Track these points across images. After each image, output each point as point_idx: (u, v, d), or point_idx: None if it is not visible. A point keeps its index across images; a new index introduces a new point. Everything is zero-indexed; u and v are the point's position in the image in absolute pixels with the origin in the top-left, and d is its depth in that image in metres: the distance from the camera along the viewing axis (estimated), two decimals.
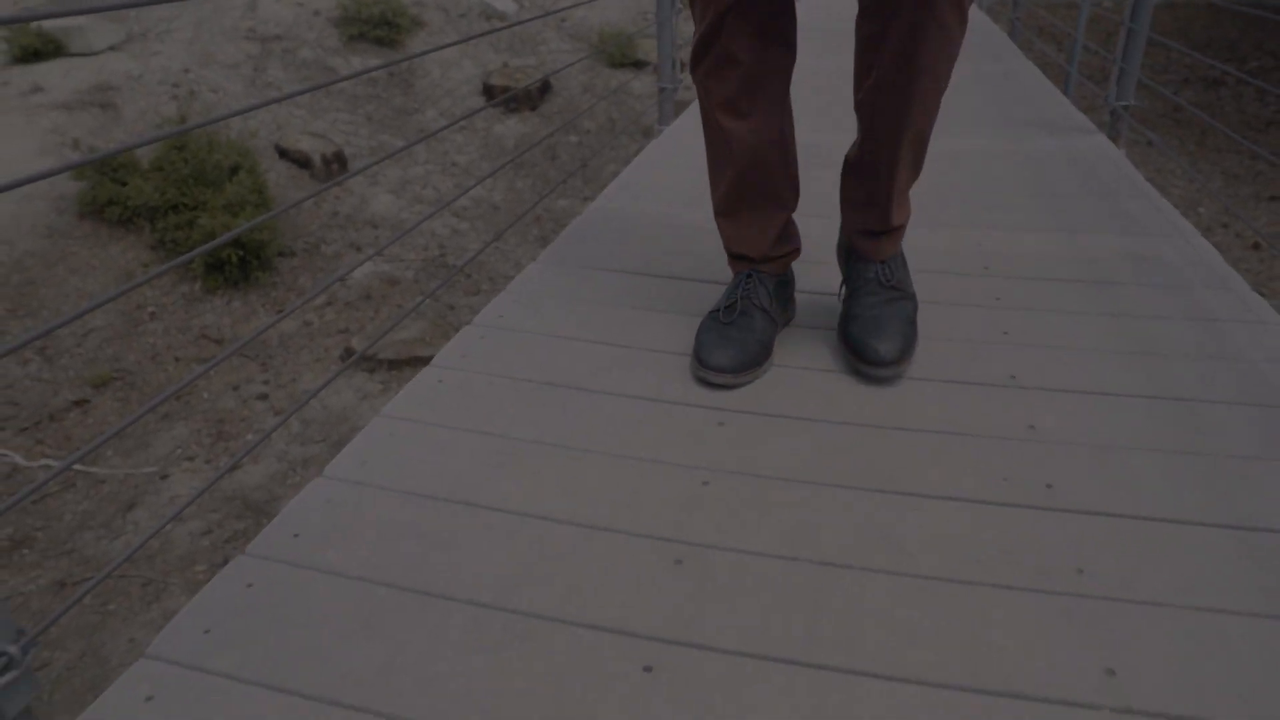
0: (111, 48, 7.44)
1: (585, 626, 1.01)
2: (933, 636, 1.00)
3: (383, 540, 1.14)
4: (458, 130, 7.32)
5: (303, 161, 6.17)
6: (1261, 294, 5.15)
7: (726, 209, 1.57)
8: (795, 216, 1.87)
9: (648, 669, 0.95)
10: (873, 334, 1.47)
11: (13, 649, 0.87)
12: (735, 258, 1.62)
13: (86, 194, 5.32)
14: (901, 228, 1.56)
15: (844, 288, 1.62)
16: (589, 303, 1.86)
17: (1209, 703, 0.90)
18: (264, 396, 4.17)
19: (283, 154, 6.20)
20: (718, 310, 1.54)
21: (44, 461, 3.78)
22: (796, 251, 1.64)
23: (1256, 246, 5.71)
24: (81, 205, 5.36)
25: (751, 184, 1.51)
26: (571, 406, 1.48)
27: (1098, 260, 2.05)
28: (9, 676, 0.87)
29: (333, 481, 1.27)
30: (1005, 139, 3.11)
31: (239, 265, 4.98)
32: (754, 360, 1.47)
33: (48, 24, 7.43)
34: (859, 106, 1.44)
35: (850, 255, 1.60)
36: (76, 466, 3.79)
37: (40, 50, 7.10)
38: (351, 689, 0.92)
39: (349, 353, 4.39)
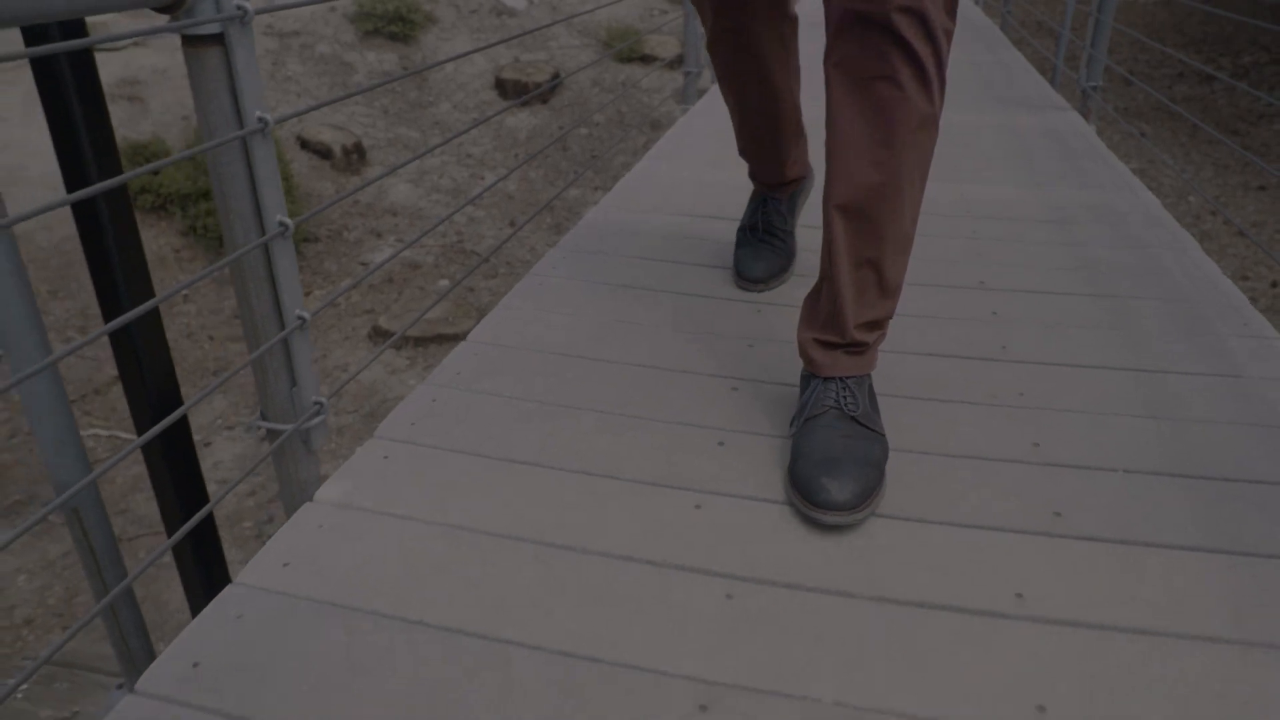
0: (135, 43, 7.67)
1: (584, 659, 0.98)
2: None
3: (373, 568, 1.10)
4: (471, 123, 7.54)
5: (324, 152, 6.40)
6: (1246, 278, 5.37)
7: (743, 150, 1.91)
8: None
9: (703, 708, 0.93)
10: (825, 472, 1.18)
11: (324, 399, 1.28)
12: (756, 181, 1.97)
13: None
14: (868, 346, 1.32)
15: (797, 418, 1.34)
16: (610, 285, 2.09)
17: None
18: None
19: (304, 145, 6.43)
20: (744, 228, 1.97)
21: (92, 430, 4.02)
22: (802, 178, 1.97)
23: (1242, 234, 5.93)
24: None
25: (758, 134, 1.82)
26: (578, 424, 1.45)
27: (1060, 207, 2.47)
28: (319, 419, 1.27)
29: (323, 506, 1.23)
30: (991, 114, 3.45)
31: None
32: (781, 268, 1.93)
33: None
34: (825, 197, 1.42)
35: (804, 376, 1.37)
36: (123, 434, 4.03)
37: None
38: None
39: (377, 331, 4.62)
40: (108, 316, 1.16)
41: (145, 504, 3.57)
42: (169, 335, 4.71)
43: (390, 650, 0.98)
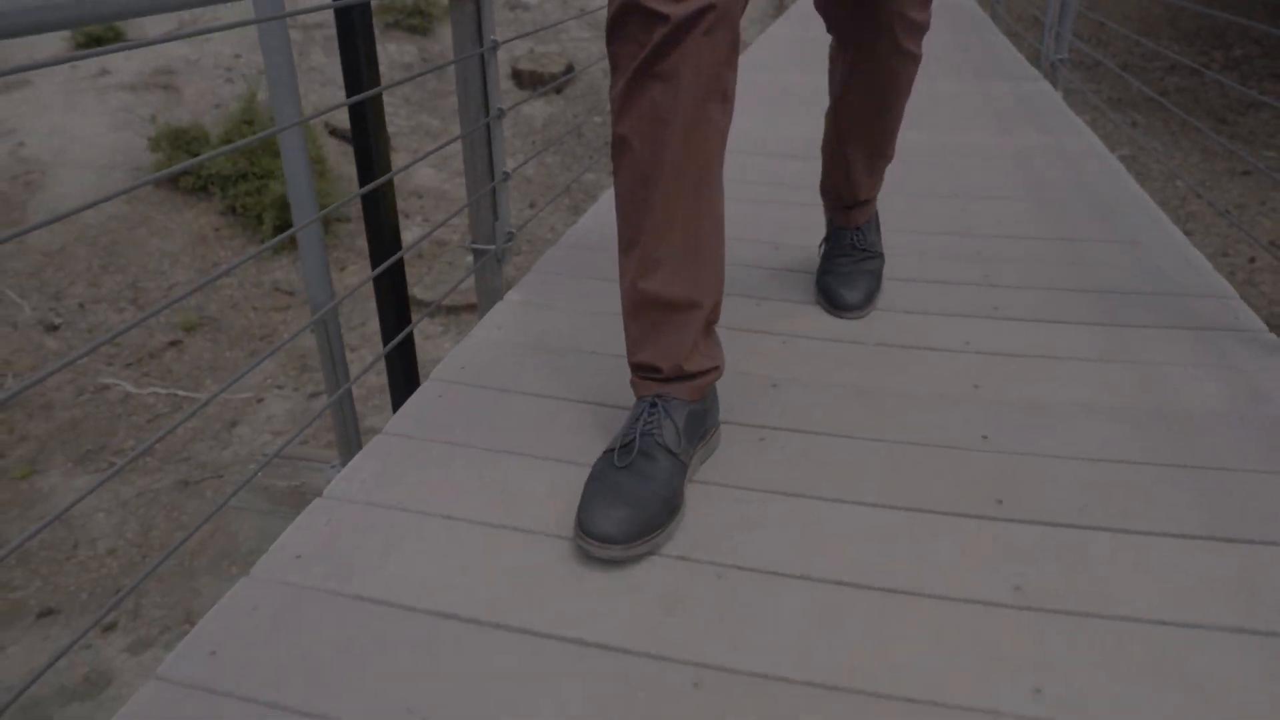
0: (165, 34, 7.98)
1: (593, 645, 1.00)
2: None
3: (385, 562, 1.11)
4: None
5: (350, 139, 6.71)
6: (1226, 254, 5.68)
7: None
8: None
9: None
10: (844, 285, 1.71)
11: (514, 230, 1.81)
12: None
13: (162, 164, 5.86)
14: (870, 200, 1.76)
15: (824, 245, 1.84)
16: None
17: None
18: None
19: (333, 132, 6.74)
20: (612, 450, 1.19)
21: (153, 389, 4.33)
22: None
23: (1224, 215, 6.25)
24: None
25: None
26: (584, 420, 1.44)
27: (1022, 148, 2.98)
28: (509, 243, 1.85)
29: (333, 502, 1.23)
30: (970, 83, 3.90)
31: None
32: (650, 524, 1.10)
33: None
34: (828, 115, 1.68)
35: (829, 222, 1.83)
36: (181, 392, 4.34)
37: (102, 37, 7.63)
38: (351, 710, 0.91)
39: (412, 300, 4.93)
40: (363, 182, 1.66)
41: (206, 451, 3.89)
42: (215, 306, 5.03)
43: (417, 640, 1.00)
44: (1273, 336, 1.64)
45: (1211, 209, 6.36)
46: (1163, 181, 6.75)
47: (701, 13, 1.03)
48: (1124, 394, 1.46)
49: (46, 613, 3.10)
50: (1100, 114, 7.72)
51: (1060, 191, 2.53)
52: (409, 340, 1.79)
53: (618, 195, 1.16)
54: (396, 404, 1.73)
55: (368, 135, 1.60)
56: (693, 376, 1.20)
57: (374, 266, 1.70)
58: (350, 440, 1.56)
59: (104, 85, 6.91)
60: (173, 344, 4.72)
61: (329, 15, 8.57)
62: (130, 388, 4.33)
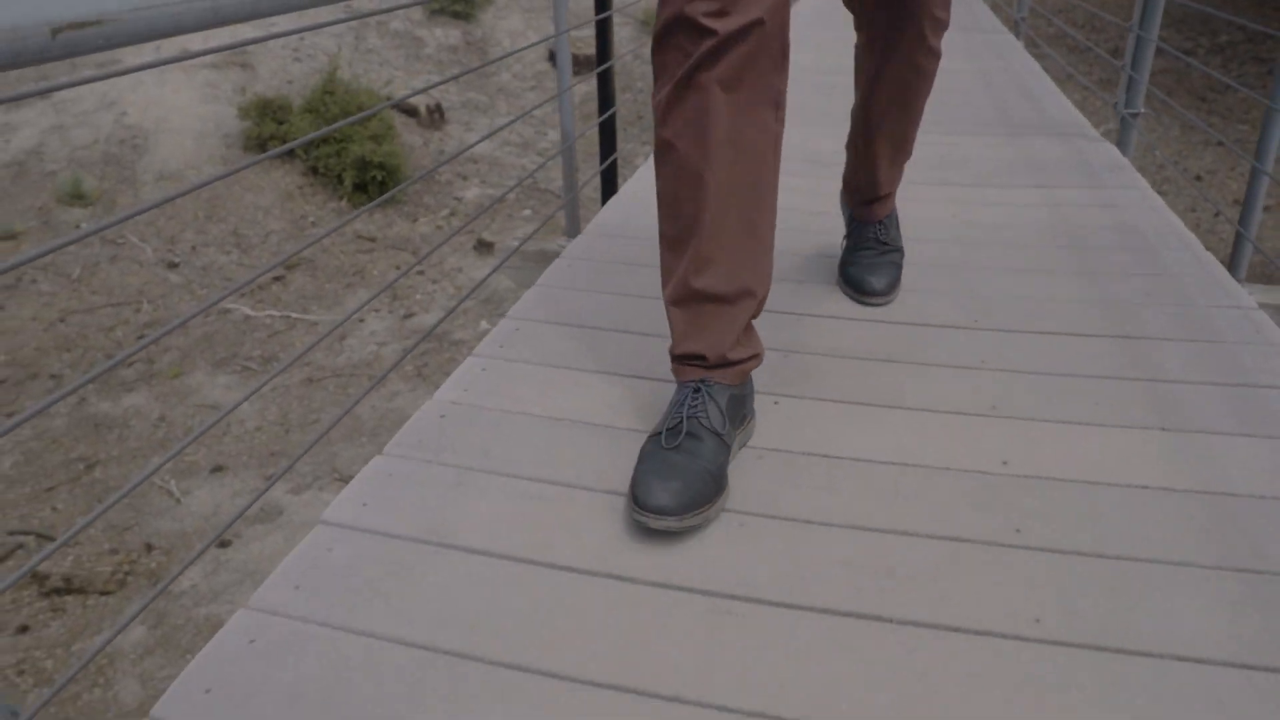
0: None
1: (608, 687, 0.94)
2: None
3: (384, 592, 1.07)
4: (531, 89, 8.62)
5: (411, 111, 7.47)
6: (1194, 210, 6.40)
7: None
8: None
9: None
10: (869, 273, 1.75)
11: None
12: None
13: (252, 131, 6.64)
14: (891, 194, 1.78)
15: (846, 239, 1.86)
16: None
17: None
18: (421, 272, 5.50)
19: (396, 107, 7.50)
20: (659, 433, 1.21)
21: (268, 312, 5.11)
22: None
23: (1199, 178, 6.97)
24: (246, 140, 6.68)
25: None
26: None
27: (1032, 155, 3.36)
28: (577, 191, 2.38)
29: (332, 528, 1.18)
30: (975, 61, 4.48)
31: (380, 185, 6.29)
32: (702, 498, 1.14)
33: None
34: (855, 112, 1.68)
35: (851, 217, 1.85)
36: (294, 314, 5.12)
37: None
38: None
39: (481, 243, 5.70)
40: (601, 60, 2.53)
41: (323, 358, 4.67)
42: (307, 251, 5.80)
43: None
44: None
45: (1185, 174, 7.09)
46: (1142, 152, 7.48)
47: (749, 27, 1.07)
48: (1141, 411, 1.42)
49: (217, 468, 3.87)
50: (1090, 93, 8.44)
51: (1070, 178, 2.62)
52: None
53: (661, 195, 1.19)
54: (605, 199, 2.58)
55: (606, 39, 2.61)
56: (735, 364, 1.23)
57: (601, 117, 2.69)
58: (571, 231, 2.45)
59: (190, 64, 7.68)
60: (277, 279, 5.49)
61: (382, 2, 9.34)
62: (249, 311, 5.11)
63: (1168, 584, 1.06)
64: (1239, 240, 2.20)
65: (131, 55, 7.90)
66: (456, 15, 9.38)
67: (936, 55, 1.49)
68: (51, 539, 3.46)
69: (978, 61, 4.49)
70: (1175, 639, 0.98)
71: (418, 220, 6.29)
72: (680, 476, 1.10)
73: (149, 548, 3.44)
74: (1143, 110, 3.02)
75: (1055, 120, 3.37)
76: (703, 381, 1.20)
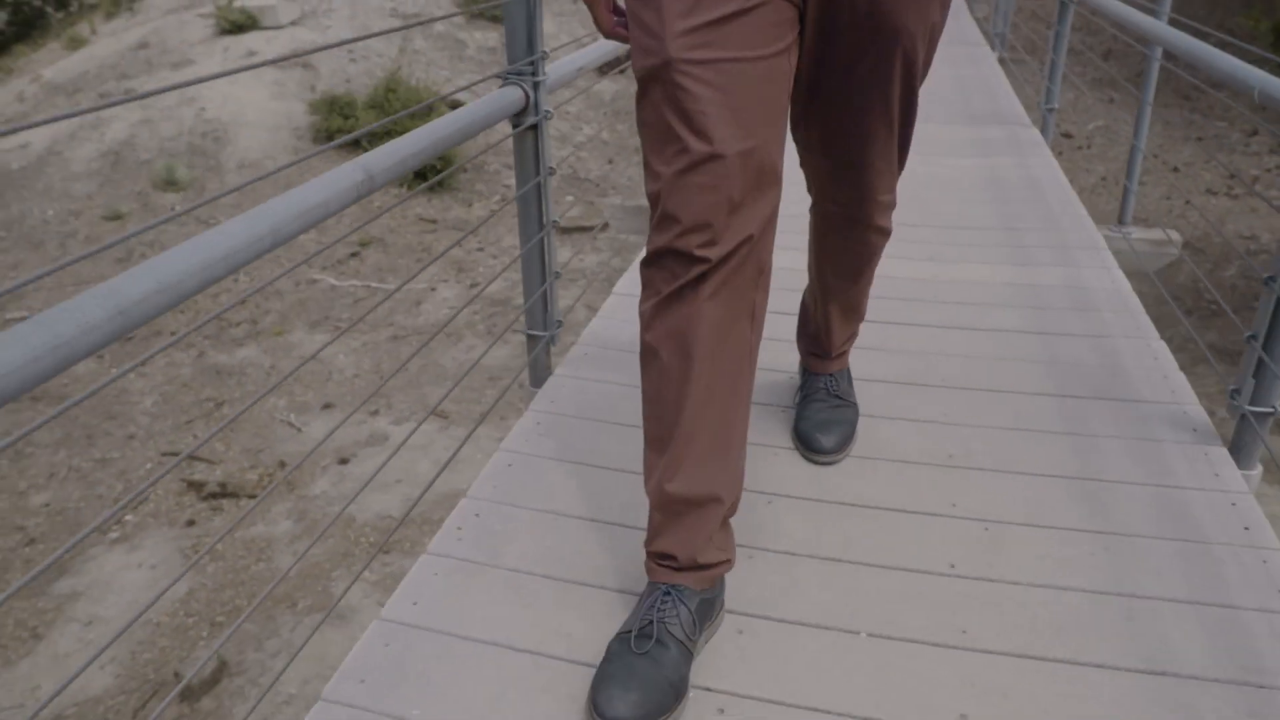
0: (293, 23, 9.50)
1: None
2: None
3: (440, 689, 1.20)
4: (565, 86, 9.36)
5: (459, 106, 8.22)
6: (1169, 198, 7.10)
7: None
8: None
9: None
10: (819, 430, 1.68)
11: (560, 317, 3.08)
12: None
13: (320, 124, 7.38)
14: (844, 353, 1.76)
15: (799, 392, 1.81)
16: None
17: None
18: (481, 249, 6.24)
19: (451, 106, 8.24)
20: (628, 633, 1.23)
21: (351, 282, 5.85)
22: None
23: (1176, 169, 7.66)
24: (316, 134, 7.42)
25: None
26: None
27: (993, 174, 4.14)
28: (559, 329, 3.03)
29: (389, 625, 1.31)
30: (953, 68, 5.31)
31: (436, 172, 7.03)
32: (660, 709, 1.16)
33: (241, 2, 9.47)
34: (810, 269, 1.67)
35: (803, 369, 1.81)
36: (373, 284, 5.86)
37: (242, 24, 9.16)
38: None
39: None
40: None
41: (402, 320, 5.41)
42: (376, 231, 6.54)
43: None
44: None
45: (1165, 165, 7.79)
46: (1126, 144, 8.19)
47: (739, 247, 1.10)
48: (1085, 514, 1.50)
49: (326, 406, 4.61)
50: (1081, 92, 9.14)
51: (1016, 185, 3.51)
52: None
53: (645, 396, 1.22)
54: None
55: None
56: (705, 568, 1.23)
57: None
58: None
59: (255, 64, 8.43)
60: (353, 255, 6.24)
61: (424, 6, 10.08)
62: (334, 280, 5.86)
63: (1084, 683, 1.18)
64: (1125, 193, 3.18)
65: (204, 58, 8.66)
66: (494, 19, 10.11)
67: (886, 233, 1.49)
68: (203, 460, 4.22)
69: (956, 68, 5.51)
70: None
71: (472, 205, 7.03)
72: (641, 687, 1.12)
73: (281, 464, 4.18)
74: (1057, 105, 4.17)
75: (1003, 113, 4.42)
76: (673, 586, 1.22)
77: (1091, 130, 8.77)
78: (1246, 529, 1.44)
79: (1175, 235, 3.37)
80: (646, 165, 1.13)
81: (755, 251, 1.12)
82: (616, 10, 1.26)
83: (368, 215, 6.86)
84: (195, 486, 4.03)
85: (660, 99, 1.08)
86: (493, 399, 4.54)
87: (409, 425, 4.44)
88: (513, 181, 8.00)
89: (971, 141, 3.87)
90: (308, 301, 5.62)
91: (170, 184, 6.81)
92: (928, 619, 1.28)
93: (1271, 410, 1.58)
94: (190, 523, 3.84)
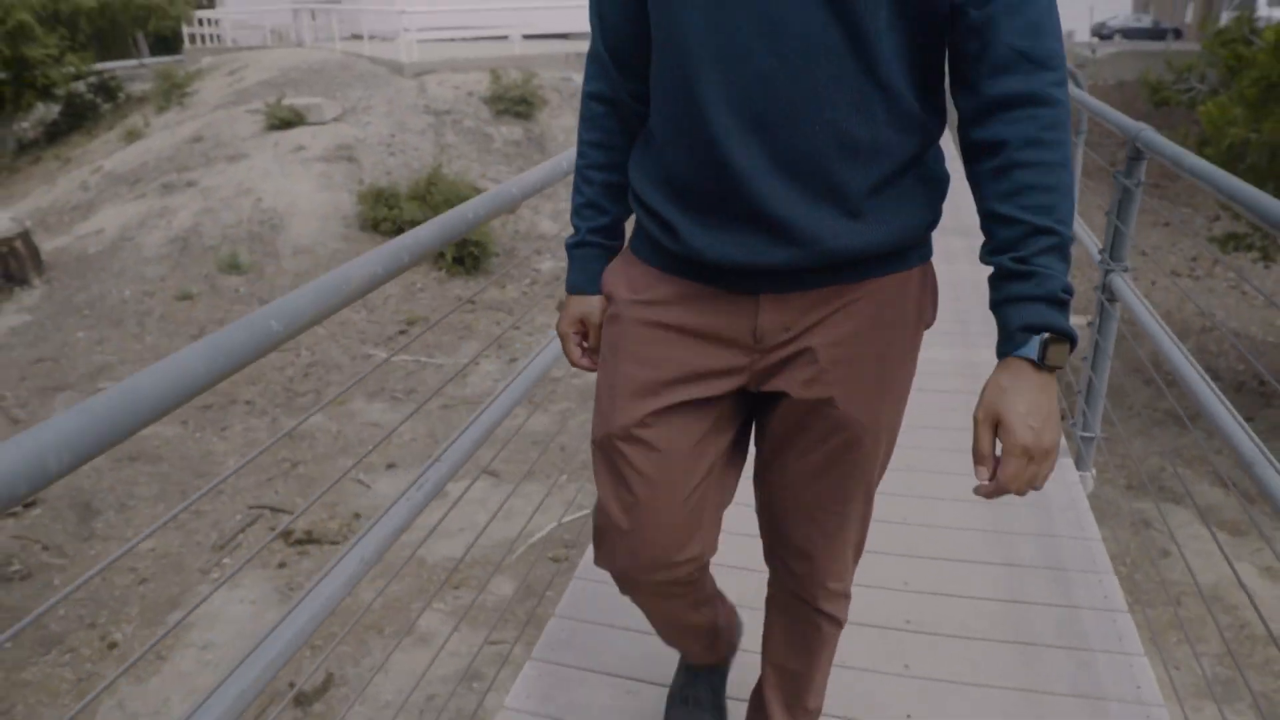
0: (336, 119, 10.37)
1: None
2: None
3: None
4: None
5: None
6: (1137, 280, 7.82)
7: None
8: None
9: None
10: None
11: None
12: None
13: (366, 214, 8.15)
14: None
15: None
16: None
17: None
18: (517, 328, 6.93)
19: (476, 191, 9.04)
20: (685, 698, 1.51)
21: (402, 357, 6.53)
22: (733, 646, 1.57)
23: (1144, 253, 8.41)
24: (362, 222, 8.19)
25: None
26: None
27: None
28: None
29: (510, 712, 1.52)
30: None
31: (474, 259, 7.78)
32: None
33: (289, 100, 10.34)
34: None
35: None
36: (422, 358, 6.53)
37: (290, 120, 10.03)
38: None
39: (561, 304, 7.15)
40: None
41: (452, 389, 6.06)
42: (419, 309, 7.24)
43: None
44: None
45: (1135, 248, 8.54)
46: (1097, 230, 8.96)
47: (680, 574, 1.16)
48: None
49: (390, 465, 5.24)
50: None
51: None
52: None
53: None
54: None
55: None
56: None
57: None
58: None
59: (304, 158, 9.26)
60: (401, 333, 6.93)
61: (455, 104, 10.97)
62: (386, 356, 6.54)
63: None
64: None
65: (256, 152, 9.49)
66: (518, 115, 11.01)
67: (837, 623, 1.30)
68: (285, 511, 4.83)
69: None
70: None
71: (506, 287, 7.76)
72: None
73: (356, 515, 4.80)
74: None
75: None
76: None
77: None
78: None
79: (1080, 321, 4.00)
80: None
81: (700, 567, 1.19)
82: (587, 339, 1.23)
83: (409, 296, 7.58)
84: (283, 534, 4.64)
85: (601, 461, 1.13)
86: (535, 459, 5.16)
87: (465, 482, 5.06)
88: (542, 265, 8.74)
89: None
90: (366, 376, 6.29)
91: (233, 267, 7.54)
92: None
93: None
94: (281, 565, 4.44)
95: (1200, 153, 6.94)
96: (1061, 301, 0.91)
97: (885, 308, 1.04)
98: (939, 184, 1.03)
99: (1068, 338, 0.90)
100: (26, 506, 4.90)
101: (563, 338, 1.21)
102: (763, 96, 0.93)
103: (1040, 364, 0.90)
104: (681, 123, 0.99)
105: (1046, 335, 0.90)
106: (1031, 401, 0.91)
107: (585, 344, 1.21)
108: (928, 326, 1.11)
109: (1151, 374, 3.00)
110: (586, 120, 1.16)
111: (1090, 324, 2.44)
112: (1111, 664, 1.69)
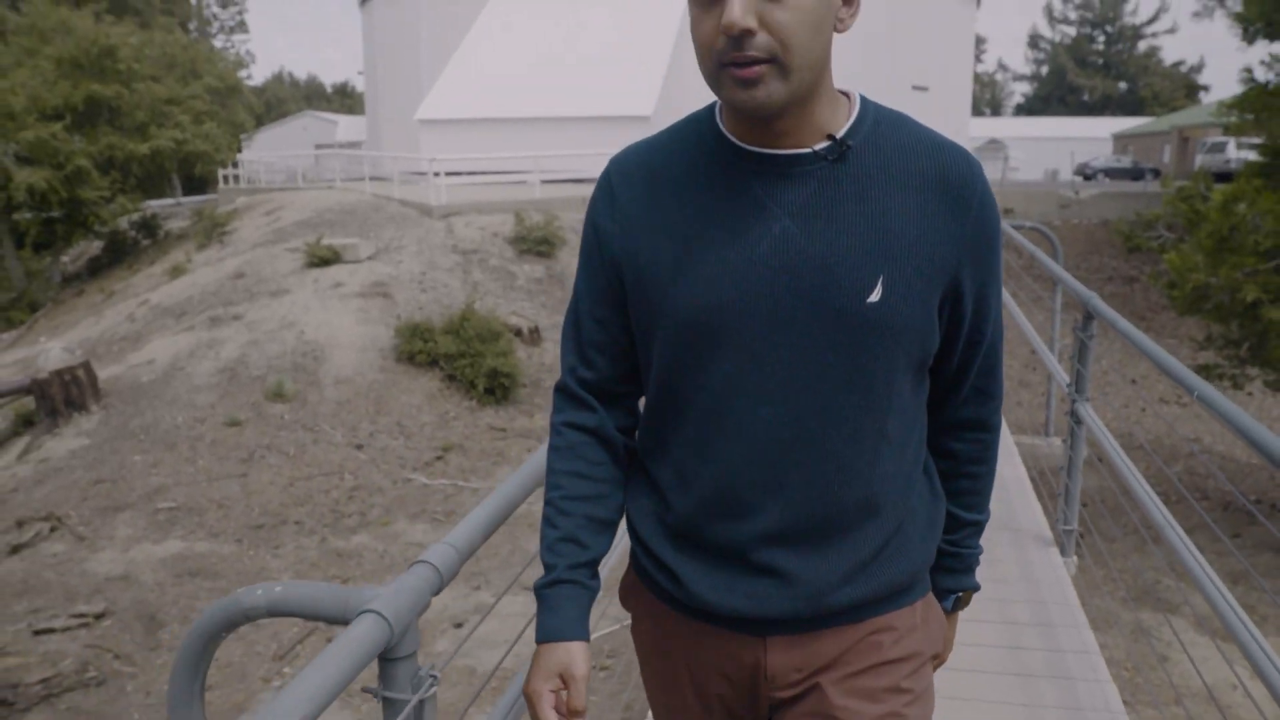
0: (370, 257, 11.08)
1: None
2: None
3: None
4: None
5: (517, 331, 9.58)
6: (1126, 406, 8.29)
7: None
8: None
9: None
10: None
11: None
12: None
13: (403, 347, 8.71)
14: None
15: None
16: None
17: None
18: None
19: (516, 332, 9.63)
20: None
21: (440, 481, 6.94)
22: None
23: (1134, 381, 8.94)
24: (398, 354, 8.74)
25: None
26: None
27: None
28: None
29: None
30: None
31: (504, 389, 8.28)
32: None
33: (328, 240, 11.08)
34: None
35: None
36: (459, 482, 6.94)
37: (327, 259, 10.73)
38: None
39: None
40: None
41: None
42: (454, 437, 7.68)
43: None
44: None
45: (1124, 378, 9.07)
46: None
47: None
48: None
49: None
50: (1050, 315, 10.56)
51: None
52: None
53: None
54: None
55: None
56: None
57: None
58: None
59: (342, 294, 9.90)
60: (438, 458, 7.36)
61: (481, 245, 11.72)
62: (424, 480, 6.95)
63: None
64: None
65: (298, 288, 10.13)
66: (540, 254, 11.74)
67: None
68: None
69: None
70: None
71: (534, 416, 8.23)
72: None
73: None
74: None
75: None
76: None
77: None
78: None
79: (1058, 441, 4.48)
80: None
81: None
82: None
83: (444, 424, 8.04)
84: None
85: None
86: None
87: (507, 599, 5.41)
88: None
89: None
90: (406, 498, 6.69)
91: (279, 396, 8.04)
92: None
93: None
94: None
95: (1169, 294, 7.62)
96: (974, 568, 1.16)
97: (891, 644, 1.03)
98: (935, 524, 1.09)
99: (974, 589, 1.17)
100: (97, 618, 5.23)
101: (534, 698, 1.00)
102: (780, 459, 0.96)
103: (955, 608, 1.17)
104: (692, 476, 1.01)
105: (961, 593, 1.16)
106: (952, 631, 1.19)
107: (566, 706, 1.01)
108: (939, 661, 1.16)
109: (1118, 495, 3.42)
110: (562, 450, 1.07)
111: (1064, 441, 2.99)
112: None
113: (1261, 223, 6.22)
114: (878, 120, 0.98)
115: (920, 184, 0.95)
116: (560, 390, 1.10)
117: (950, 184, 0.96)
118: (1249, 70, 7.75)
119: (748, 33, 0.86)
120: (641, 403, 1.10)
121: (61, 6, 13.96)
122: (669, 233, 0.99)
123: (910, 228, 0.94)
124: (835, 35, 0.94)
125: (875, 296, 0.93)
